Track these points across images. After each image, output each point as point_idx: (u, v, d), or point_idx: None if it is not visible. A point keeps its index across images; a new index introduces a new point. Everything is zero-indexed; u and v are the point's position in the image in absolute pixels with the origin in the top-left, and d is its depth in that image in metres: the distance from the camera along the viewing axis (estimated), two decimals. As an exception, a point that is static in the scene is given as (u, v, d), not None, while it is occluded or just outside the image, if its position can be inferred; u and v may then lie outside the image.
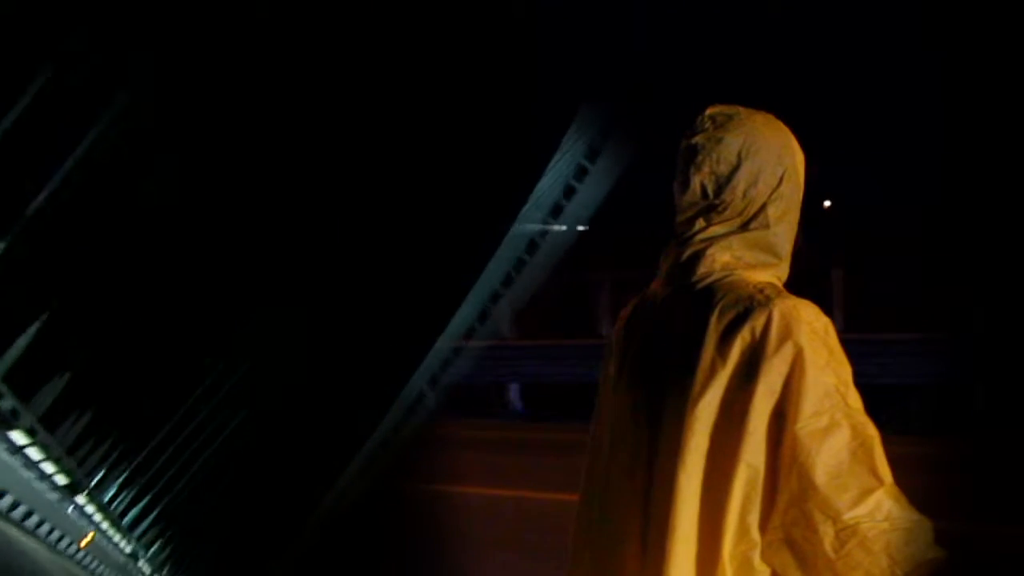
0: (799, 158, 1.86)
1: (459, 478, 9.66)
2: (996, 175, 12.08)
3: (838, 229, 12.75)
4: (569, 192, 5.93)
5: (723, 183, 1.80)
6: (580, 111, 5.34)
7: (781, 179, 1.81)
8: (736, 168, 1.79)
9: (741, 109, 1.84)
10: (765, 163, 1.80)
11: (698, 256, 1.79)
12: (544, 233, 6.24)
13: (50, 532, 3.66)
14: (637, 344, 1.88)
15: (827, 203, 14.00)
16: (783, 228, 1.82)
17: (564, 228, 6.50)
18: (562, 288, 14.71)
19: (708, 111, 1.84)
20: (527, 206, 5.68)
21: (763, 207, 1.80)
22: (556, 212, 6.10)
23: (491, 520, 8.38)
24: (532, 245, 6.25)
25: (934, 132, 12.05)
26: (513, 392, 14.74)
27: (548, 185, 5.75)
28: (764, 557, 1.65)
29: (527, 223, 6.12)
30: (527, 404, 14.68)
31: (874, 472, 1.61)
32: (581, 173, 5.87)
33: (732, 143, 1.80)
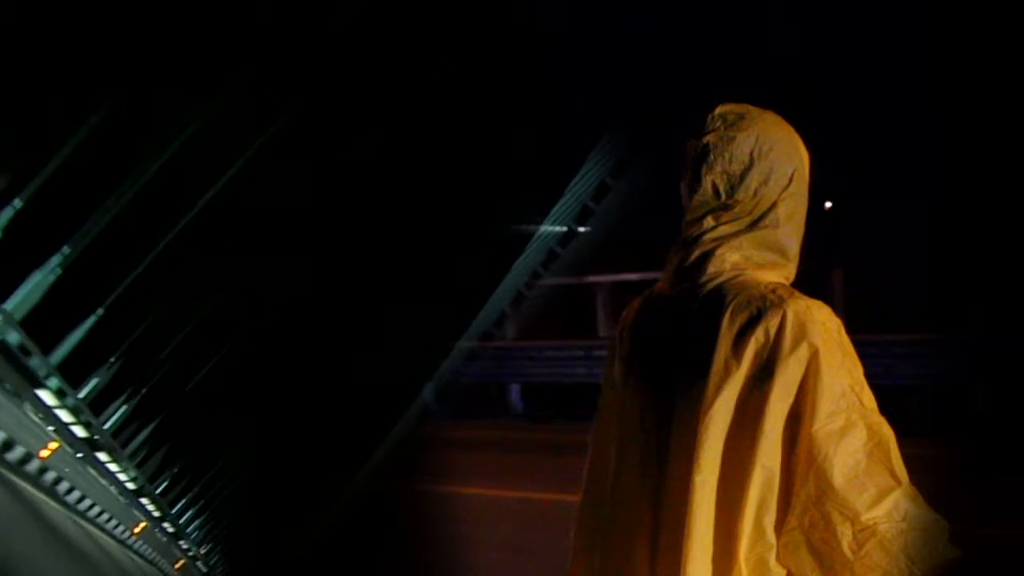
0: (806, 158, 1.85)
1: (459, 479, 9.64)
2: (996, 175, 12.08)
3: (838, 230, 12.75)
4: (585, 210, 5.97)
5: (735, 182, 1.79)
6: (604, 135, 5.38)
7: (791, 178, 1.80)
8: (749, 167, 1.78)
9: (751, 108, 1.83)
10: (776, 162, 1.79)
11: (707, 256, 1.78)
12: (564, 238, 6.25)
13: (69, 491, 3.66)
14: (644, 345, 1.86)
15: (828, 204, 14.00)
16: (791, 228, 1.81)
17: (564, 229, 6.50)
18: (563, 289, 14.70)
19: (718, 110, 1.83)
20: (548, 218, 5.71)
21: (773, 206, 1.79)
22: (581, 218, 6.13)
23: (491, 521, 8.36)
24: (550, 255, 6.28)
25: (934, 132, 12.05)
26: (514, 393, 14.71)
27: (567, 201, 5.78)
28: (780, 559, 1.64)
29: (543, 231, 6.14)
30: (528, 405, 14.65)
31: (891, 472, 1.61)
32: (600, 192, 5.90)
33: (744, 142, 1.79)
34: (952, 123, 11.92)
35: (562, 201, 5.57)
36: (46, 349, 3.48)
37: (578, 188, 5.65)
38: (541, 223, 5.76)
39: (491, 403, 14.76)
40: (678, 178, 1.88)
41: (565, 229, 6.12)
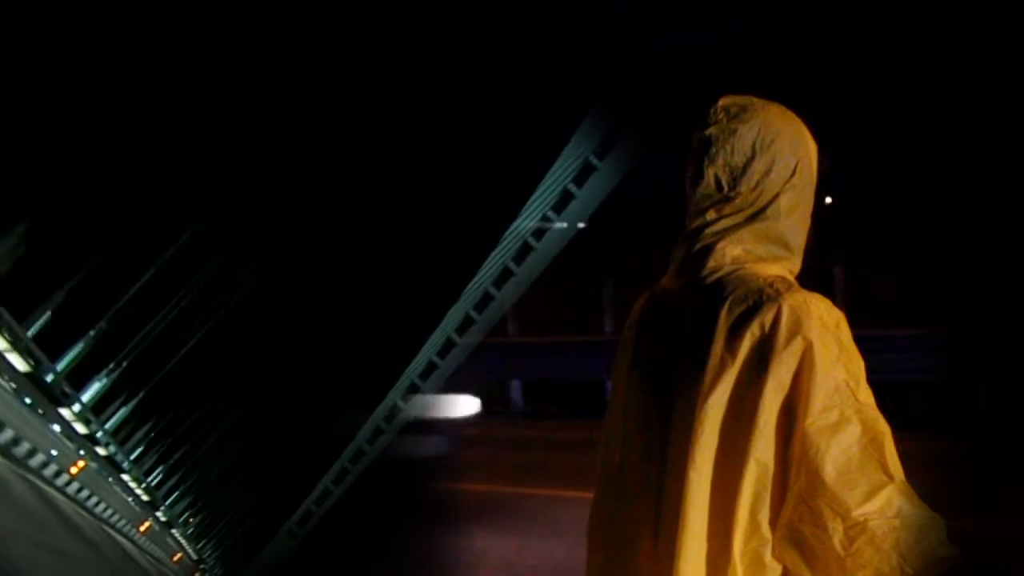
0: (812, 149, 1.83)
1: (461, 475, 9.67)
2: (997, 170, 12.06)
3: (839, 225, 12.74)
4: (570, 193, 5.90)
5: (738, 175, 1.77)
6: (588, 113, 5.31)
7: (794, 170, 1.78)
8: (751, 160, 1.77)
9: (755, 99, 1.82)
10: (779, 154, 1.77)
11: (708, 250, 1.77)
12: (543, 231, 6.19)
13: (31, 453, 3.65)
14: (648, 339, 1.86)
15: (828, 199, 13.98)
16: (795, 220, 1.79)
17: (565, 225, 6.46)
18: (564, 285, 14.70)
19: (721, 102, 1.81)
20: (529, 204, 5.64)
21: (775, 198, 1.77)
22: (558, 210, 6.06)
23: (493, 515, 8.38)
24: (531, 242, 6.22)
25: (934, 127, 12.03)
26: (515, 390, 14.72)
27: (551, 184, 5.72)
28: (775, 553, 1.63)
29: (528, 221, 6.08)
30: (529, 401, 14.67)
31: (884, 468, 1.59)
32: (585, 173, 5.84)
33: (746, 134, 1.77)
34: (953, 117, 11.90)
35: (537, 193, 5.49)
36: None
37: (556, 178, 5.59)
38: (515, 217, 5.66)
39: (493, 400, 14.79)
40: (672, 172, 1.87)
41: (538, 223, 6.02)
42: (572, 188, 5.84)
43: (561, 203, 5.98)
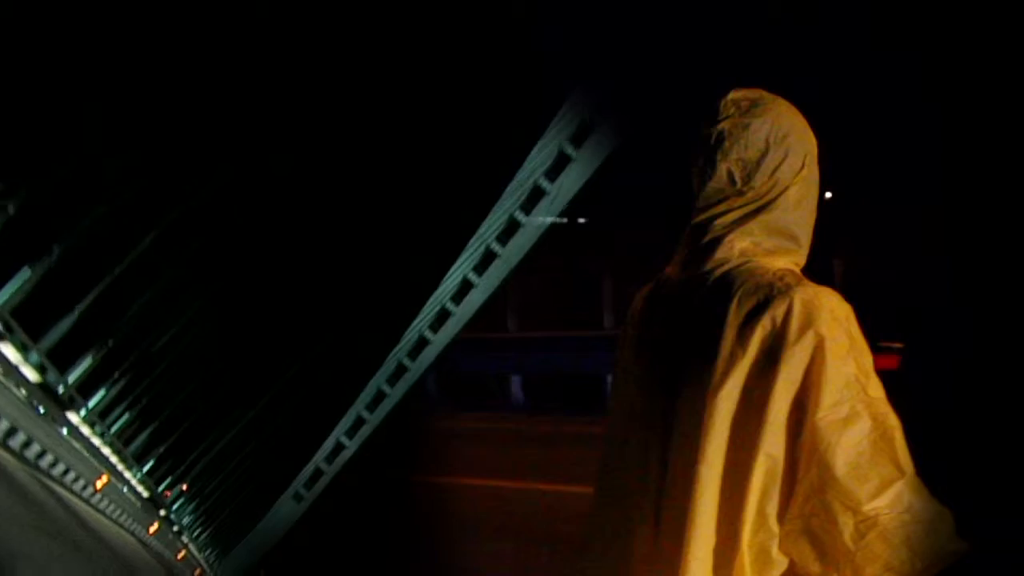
0: (815, 144, 1.84)
1: (461, 470, 9.68)
2: (998, 166, 12.04)
3: (839, 220, 12.74)
4: (551, 178, 5.80)
5: (752, 169, 1.77)
6: (568, 98, 5.24)
7: (804, 163, 1.79)
8: (764, 153, 1.77)
9: (764, 93, 1.82)
10: (791, 147, 1.78)
11: (716, 242, 1.77)
12: (519, 224, 6.10)
13: (27, 444, 3.61)
14: (653, 331, 1.85)
15: (828, 194, 14.00)
16: (802, 213, 1.80)
17: (550, 219, 6.41)
18: (562, 279, 14.72)
19: (731, 96, 1.81)
20: (506, 192, 5.57)
21: (784, 190, 1.78)
22: (535, 200, 5.97)
23: (493, 511, 8.40)
24: (510, 231, 6.09)
25: (934, 122, 12.02)
26: (515, 384, 14.75)
27: (528, 173, 5.64)
28: (782, 547, 1.64)
29: (506, 211, 6.00)
30: (529, 396, 14.69)
31: (895, 462, 1.59)
32: (564, 160, 5.75)
33: (759, 128, 1.77)
34: (951, 110, 11.89)
35: (511, 187, 5.39)
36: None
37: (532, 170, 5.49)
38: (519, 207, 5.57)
39: (492, 395, 14.81)
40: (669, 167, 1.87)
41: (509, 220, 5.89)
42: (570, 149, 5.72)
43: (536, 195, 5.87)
